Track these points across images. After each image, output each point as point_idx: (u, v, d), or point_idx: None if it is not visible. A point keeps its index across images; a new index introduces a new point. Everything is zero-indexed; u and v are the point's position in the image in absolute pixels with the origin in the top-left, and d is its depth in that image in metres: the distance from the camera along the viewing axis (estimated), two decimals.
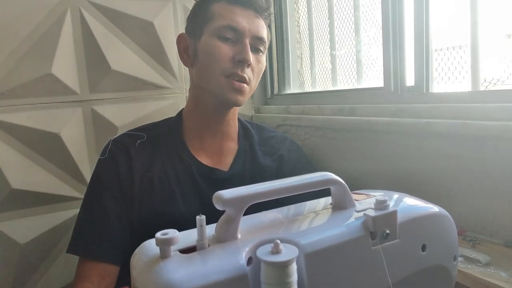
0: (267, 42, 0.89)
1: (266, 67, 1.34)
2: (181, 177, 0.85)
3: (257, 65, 0.87)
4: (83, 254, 0.79)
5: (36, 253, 1.07)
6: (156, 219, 0.80)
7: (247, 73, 0.83)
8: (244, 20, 0.84)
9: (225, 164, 0.90)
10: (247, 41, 0.83)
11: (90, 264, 0.78)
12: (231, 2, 0.85)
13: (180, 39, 0.91)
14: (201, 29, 0.86)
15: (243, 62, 0.82)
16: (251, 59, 0.83)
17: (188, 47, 0.89)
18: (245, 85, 0.84)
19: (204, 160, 0.88)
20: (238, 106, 0.87)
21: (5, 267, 1.04)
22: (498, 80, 0.78)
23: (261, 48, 0.87)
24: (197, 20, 0.88)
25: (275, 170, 0.92)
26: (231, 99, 0.84)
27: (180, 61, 0.93)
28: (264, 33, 0.87)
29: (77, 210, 0.85)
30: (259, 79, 0.91)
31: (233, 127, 0.93)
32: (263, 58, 0.89)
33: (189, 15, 0.91)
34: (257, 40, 0.85)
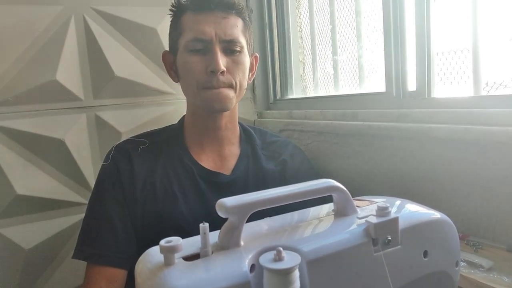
0: (243, 38, 0.87)
1: (268, 71, 1.36)
2: (183, 181, 0.85)
3: (236, 67, 0.85)
4: (90, 259, 0.80)
5: (40, 258, 1.08)
6: (159, 223, 0.81)
7: (224, 80, 0.83)
8: (210, 26, 0.83)
9: (227, 168, 0.90)
10: (216, 48, 0.83)
11: (97, 269, 0.78)
12: (196, 10, 0.85)
13: (164, 57, 0.93)
14: (176, 45, 0.88)
15: (215, 72, 0.82)
16: (224, 65, 0.82)
17: (172, 63, 0.91)
18: (227, 88, 0.84)
19: (206, 164, 0.89)
20: (226, 111, 0.87)
21: (10, 273, 1.05)
22: (500, 84, 0.78)
23: (236, 48, 0.85)
24: (172, 36, 0.90)
25: (278, 174, 0.92)
26: (217, 107, 0.85)
27: None
28: (236, 32, 0.85)
29: (81, 216, 0.86)
30: (247, 77, 0.90)
31: (233, 131, 0.94)
32: (242, 56, 0.87)
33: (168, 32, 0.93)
34: (228, 43, 0.84)
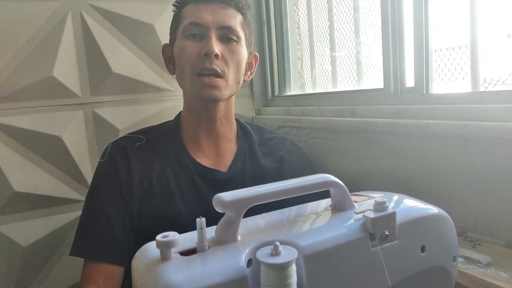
0: (241, 30, 0.88)
1: (266, 68, 1.36)
2: (180, 178, 0.85)
3: (231, 56, 0.85)
4: (87, 256, 0.80)
5: (38, 255, 1.08)
6: (156, 220, 0.81)
7: (217, 64, 0.83)
8: (207, 13, 0.84)
9: (224, 165, 0.90)
10: (212, 33, 0.83)
11: (95, 266, 0.78)
12: (197, 1, 0.86)
13: (164, 49, 0.94)
14: (175, 35, 0.89)
15: (208, 55, 0.82)
16: (218, 50, 0.82)
17: (170, 56, 0.91)
18: (218, 79, 0.83)
19: (203, 161, 0.89)
20: (218, 100, 0.86)
21: (8, 270, 1.05)
22: (498, 80, 0.78)
23: (233, 37, 0.86)
24: (172, 28, 0.91)
25: (276, 171, 0.92)
26: (206, 94, 0.84)
27: None
28: (233, 21, 0.86)
29: (79, 212, 0.86)
30: (243, 70, 0.90)
31: (228, 127, 0.93)
32: (239, 47, 0.87)
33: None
34: (225, 30, 0.85)
